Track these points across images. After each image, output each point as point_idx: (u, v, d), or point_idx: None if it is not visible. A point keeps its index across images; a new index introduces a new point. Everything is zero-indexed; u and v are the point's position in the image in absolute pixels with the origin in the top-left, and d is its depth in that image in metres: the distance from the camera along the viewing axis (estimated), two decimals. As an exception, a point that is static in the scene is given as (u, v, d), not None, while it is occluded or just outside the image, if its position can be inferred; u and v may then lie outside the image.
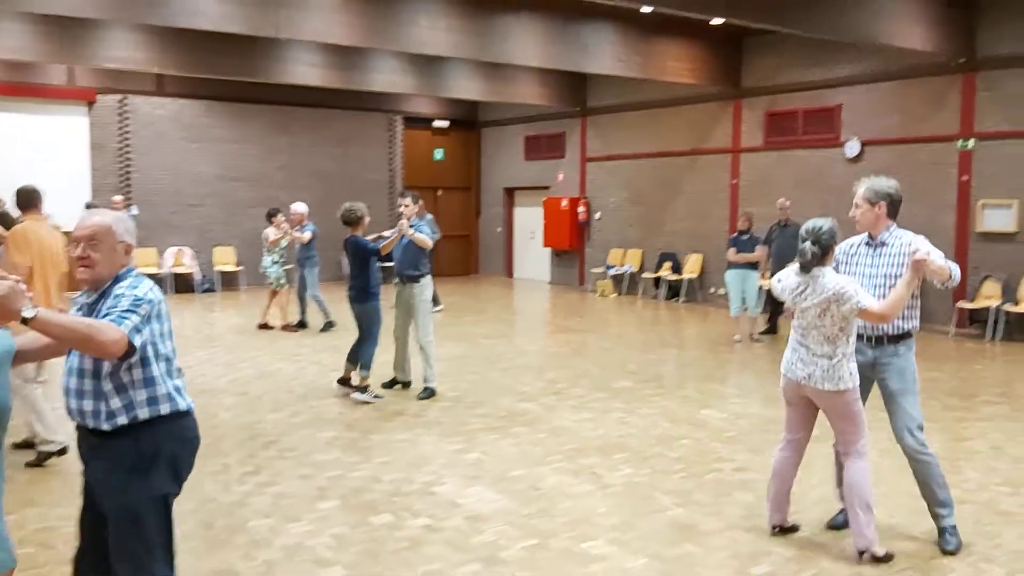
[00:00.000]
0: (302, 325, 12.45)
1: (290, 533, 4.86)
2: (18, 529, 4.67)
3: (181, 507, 5.04)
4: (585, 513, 5.19)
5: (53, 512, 5.10)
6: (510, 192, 21.32)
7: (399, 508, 5.27)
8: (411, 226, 8.19)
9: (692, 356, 10.83)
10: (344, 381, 8.40)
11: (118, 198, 15.34)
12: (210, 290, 17.58)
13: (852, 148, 13.87)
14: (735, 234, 11.72)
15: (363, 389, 8.03)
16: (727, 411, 7.79)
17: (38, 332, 2.79)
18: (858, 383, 4.47)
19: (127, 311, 2.93)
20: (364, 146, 19.85)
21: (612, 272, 17.75)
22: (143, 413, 3.04)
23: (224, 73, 14.84)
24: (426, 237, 8.21)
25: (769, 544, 4.72)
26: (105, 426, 3.02)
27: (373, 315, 8.10)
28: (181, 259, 17.42)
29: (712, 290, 16.08)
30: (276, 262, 12.17)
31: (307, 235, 12.21)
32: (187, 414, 3.19)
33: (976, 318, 12.46)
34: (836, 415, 4.52)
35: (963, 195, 12.56)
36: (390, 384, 8.58)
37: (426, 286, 8.34)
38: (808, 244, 4.44)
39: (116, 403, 3.01)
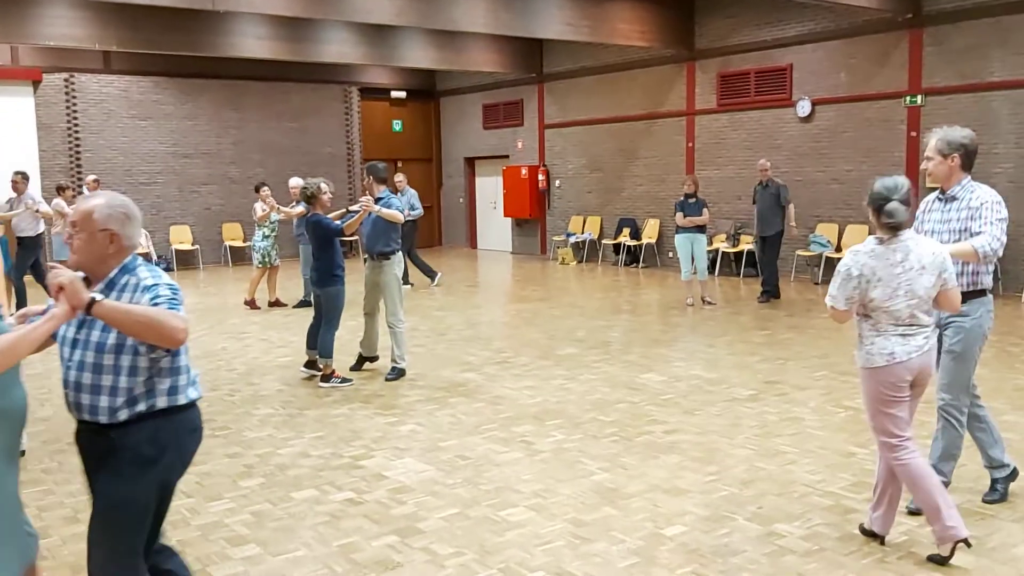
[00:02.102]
0: (306, 303, 11.98)
1: (209, 512, 4.83)
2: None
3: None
4: (509, 480, 5.19)
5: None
6: (470, 162, 21.19)
7: (324, 483, 5.24)
8: (379, 199, 7.72)
9: (642, 321, 10.84)
10: (311, 364, 7.95)
11: (91, 178, 14.90)
12: (168, 270, 17.40)
13: (803, 107, 13.87)
14: (682, 198, 11.69)
15: (327, 377, 7.61)
16: (667, 374, 7.81)
17: (101, 319, 2.76)
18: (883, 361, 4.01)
19: (173, 299, 2.88)
20: (320, 119, 19.62)
21: (573, 240, 17.73)
22: (162, 402, 2.99)
23: (171, 48, 14.60)
24: (395, 212, 7.72)
25: (686, 505, 4.73)
26: (122, 416, 2.92)
27: (335, 299, 7.61)
28: (136, 239, 17.17)
29: (670, 254, 16.09)
30: (267, 236, 11.95)
31: (300, 209, 11.92)
32: (195, 404, 3.15)
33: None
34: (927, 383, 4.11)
35: (912, 151, 12.59)
36: (358, 365, 8.19)
37: (395, 263, 7.93)
38: (897, 204, 3.83)
39: (139, 391, 2.93)
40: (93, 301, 2.70)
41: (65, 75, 16.59)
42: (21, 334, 2.63)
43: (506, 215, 19.60)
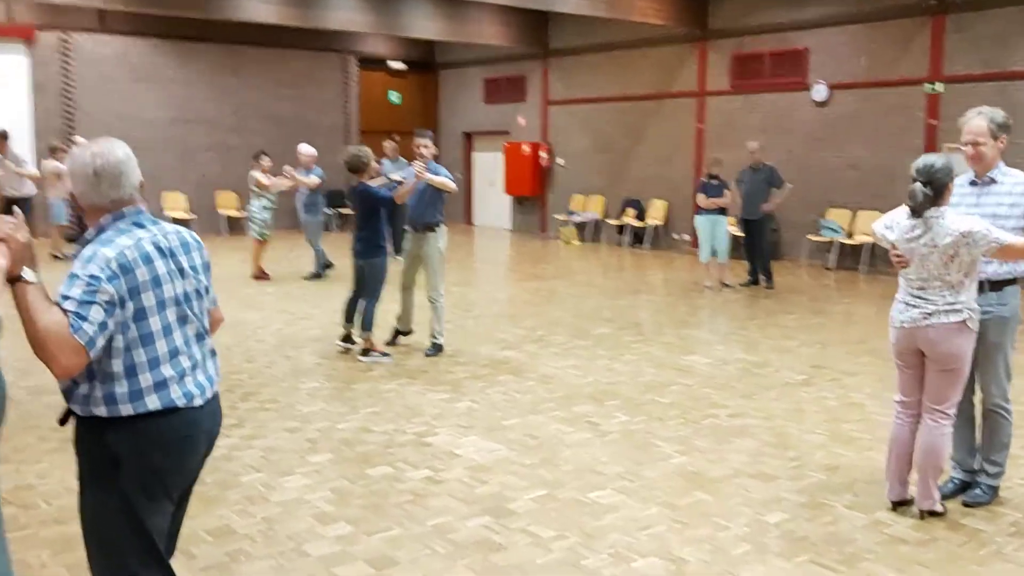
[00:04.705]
0: (317, 276, 11.90)
1: (285, 488, 4.65)
2: (-6, 489, 4.39)
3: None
4: (588, 462, 5.06)
5: (30, 469, 4.83)
6: (469, 137, 20.91)
7: (396, 460, 5.08)
8: (427, 169, 7.46)
9: (665, 302, 10.74)
10: (347, 338, 7.72)
11: (80, 141, 14.44)
12: (162, 237, 17.00)
13: (819, 92, 13.80)
14: (704, 179, 11.58)
15: (367, 351, 7.42)
16: (712, 357, 7.72)
17: (13, 299, 2.34)
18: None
19: (83, 303, 2.38)
20: (318, 88, 19.21)
21: (575, 219, 17.57)
22: (126, 409, 2.54)
23: (170, 8, 14.17)
24: (446, 180, 7.46)
25: (779, 491, 4.64)
26: (79, 411, 2.57)
27: (380, 271, 7.41)
28: (131, 205, 16.77)
29: (676, 236, 16.01)
30: (267, 208, 11.62)
31: (315, 179, 11.65)
32: (167, 412, 2.60)
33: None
34: (945, 361, 4.06)
35: (930, 139, 12.57)
36: (393, 340, 7.97)
37: (440, 235, 7.64)
38: (919, 185, 3.91)
39: (96, 392, 2.52)
40: (19, 279, 2.32)
41: (60, 34, 16.06)
42: None
43: (507, 192, 19.37)
